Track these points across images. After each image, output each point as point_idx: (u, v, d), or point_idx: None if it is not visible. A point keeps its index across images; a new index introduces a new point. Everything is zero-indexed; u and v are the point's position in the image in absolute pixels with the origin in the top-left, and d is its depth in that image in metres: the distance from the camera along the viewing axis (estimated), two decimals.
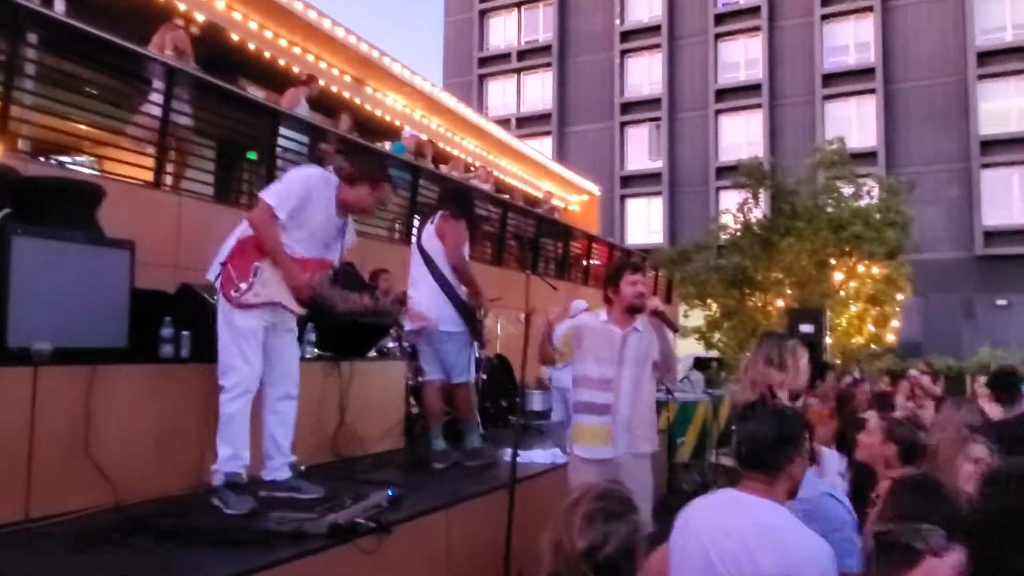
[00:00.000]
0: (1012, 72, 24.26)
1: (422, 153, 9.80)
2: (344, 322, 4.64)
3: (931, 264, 20.29)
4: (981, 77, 24.47)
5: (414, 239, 5.07)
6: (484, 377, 6.83)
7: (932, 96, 25.03)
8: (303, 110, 7.73)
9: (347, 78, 10.51)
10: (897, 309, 14.62)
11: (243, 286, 3.48)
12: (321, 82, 9.30)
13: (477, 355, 6.85)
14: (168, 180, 6.03)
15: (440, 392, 4.95)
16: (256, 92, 8.56)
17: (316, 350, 4.89)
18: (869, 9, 26.13)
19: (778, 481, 2.18)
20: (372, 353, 5.80)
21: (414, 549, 3.53)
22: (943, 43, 25.04)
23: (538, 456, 5.31)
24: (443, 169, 10.77)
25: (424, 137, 10.74)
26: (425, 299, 4.71)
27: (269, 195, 3.55)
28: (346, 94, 10.41)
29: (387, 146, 9.79)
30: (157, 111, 5.91)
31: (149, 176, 5.88)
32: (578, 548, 1.69)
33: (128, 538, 2.92)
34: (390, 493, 3.71)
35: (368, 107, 10.91)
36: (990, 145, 24.20)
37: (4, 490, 3.08)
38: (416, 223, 8.99)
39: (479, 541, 4.03)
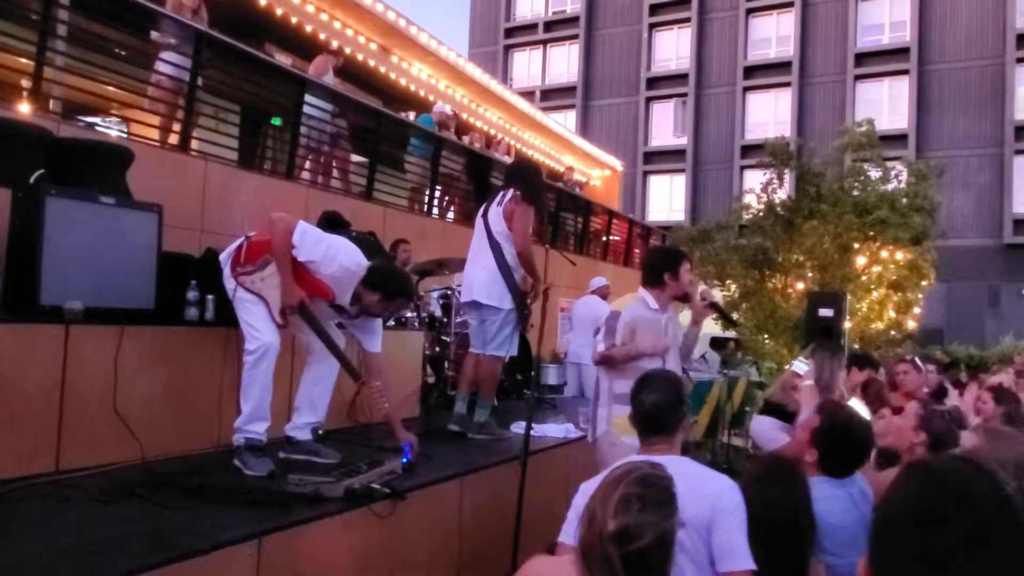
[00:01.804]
0: None
1: (445, 125, 9.80)
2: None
3: (957, 251, 20.01)
4: (1020, 60, 23.82)
5: (480, 212, 5.07)
6: (515, 354, 6.89)
7: (967, 79, 24.43)
8: (329, 79, 7.74)
9: (373, 46, 10.48)
10: (920, 296, 14.45)
11: (249, 267, 3.63)
12: (347, 50, 9.30)
13: None
14: (194, 144, 6.10)
15: (476, 363, 5.08)
16: (282, 58, 8.58)
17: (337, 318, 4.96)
18: None
19: (675, 439, 2.55)
20: (391, 323, 5.87)
21: (427, 515, 3.62)
22: (981, 24, 24.37)
23: (551, 430, 5.39)
24: (465, 140, 10.75)
25: (450, 111, 10.72)
26: (484, 273, 4.84)
27: (300, 231, 3.56)
28: (372, 63, 10.39)
29: (412, 116, 9.78)
30: (184, 75, 5.96)
31: (176, 140, 5.95)
32: (609, 530, 1.64)
33: (154, 493, 3.03)
34: (405, 460, 3.80)
35: (393, 76, 10.88)
36: None
37: (36, 442, 3.21)
38: (438, 193, 9.07)
39: (490, 510, 4.12)
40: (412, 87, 11.27)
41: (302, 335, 3.91)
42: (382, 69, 10.64)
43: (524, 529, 3.86)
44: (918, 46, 25.08)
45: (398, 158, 8.70)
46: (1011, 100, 23.79)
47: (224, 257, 3.76)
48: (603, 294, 8.26)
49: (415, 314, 6.29)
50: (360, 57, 10.10)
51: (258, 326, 3.58)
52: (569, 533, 2.48)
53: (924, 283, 14.26)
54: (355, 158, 8.28)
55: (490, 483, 4.21)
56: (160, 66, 5.98)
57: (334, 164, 7.73)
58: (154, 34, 5.97)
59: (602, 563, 1.63)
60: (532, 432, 4.21)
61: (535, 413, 4.74)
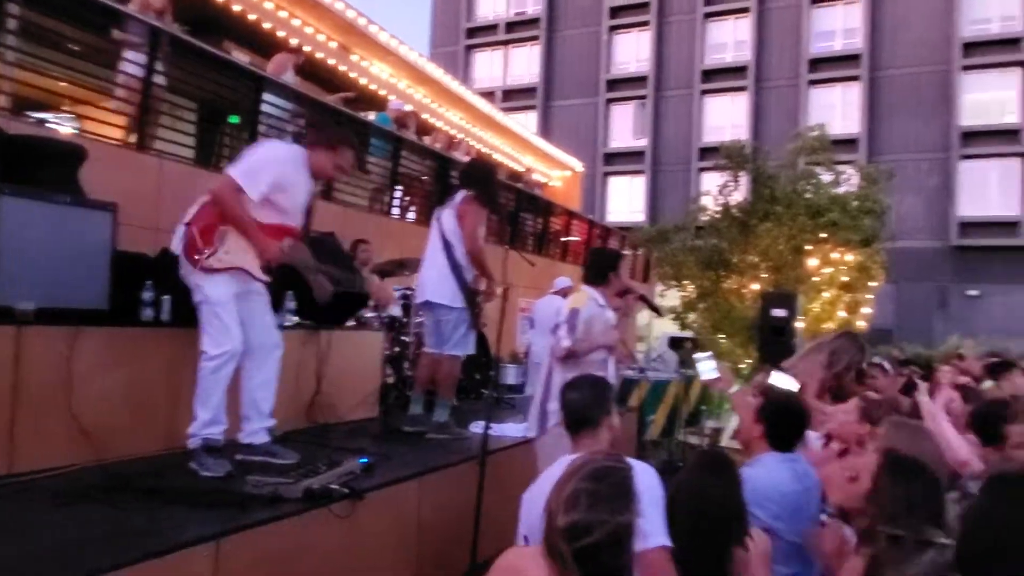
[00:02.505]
0: (996, 64, 24.50)
1: (405, 124, 9.79)
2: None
3: (906, 252, 20.64)
4: (965, 68, 24.68)
5: (435, 214, 5.19)
6: (472, 352, 6.93)
7: (917, 85, 25.22)
8: (289, 77, 7.68)
9: (333, 45, 10.42)
10: (869, 296, 14.90)
11: (207, 251, 3.49)
12: (307, 48, 9.24)
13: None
14: (149, 142, 6.01)
15: (432, 363, 5.14)
16: (241, 56, 8.48)
17: (295, 319, 4.96)
18: None
19: (600, 433, 2.70)
20: (351, 323, 5.88)
21: (386, 515, 3.65)
22: (930, 32, 25.18)
23: (510, 429, 5.44)
24: (426, 141, 10.75)
25: (409, 108, 10.70)
26: (435, 273, 4.93)
27: (237, 173, 3.50)
28: (331, 61, 10.33)
29: (371, 116, 9.75)
30: (139, 72, 5.87)
31: (130, 137, 5.86)
32: (559, 525, 1.67)
33: (109, 495, 3.01)
34: (363, 460, 3.82)
35: (353, 75, 10.83)
36: (970, 136, 24.50)
37: None
38: (398, 193, 9.06)
39: (449, 510, 4.16)
40: (373, 86, 11.24)
41: (251, 331, 3.74)
42: (342, 68, 10.58)
43: (483, 528, 3.91)
44: (869, 53, 25.81)
45: (359, 158, 8.66)
46: (957, 106, 24.63)
47: (180, 253, 3.62)
48: (565, 294, 8.35)
49: (375, 314, 6.29)
50: (320, 56, 10.03)
51: (224, 330, 3.51)
52: (520, 533, 2.56)
53: (873, 284, 14.71)
54: None
55: (449, 483, 4.25)
56: (118, 64, 5.88)
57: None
58: (114, 31, 5.87)
59: (558, 557, 1.66)
60: (491, 431, 4.28)
61: (494, 413, 4.81)
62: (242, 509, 2.97)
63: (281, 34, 9.31)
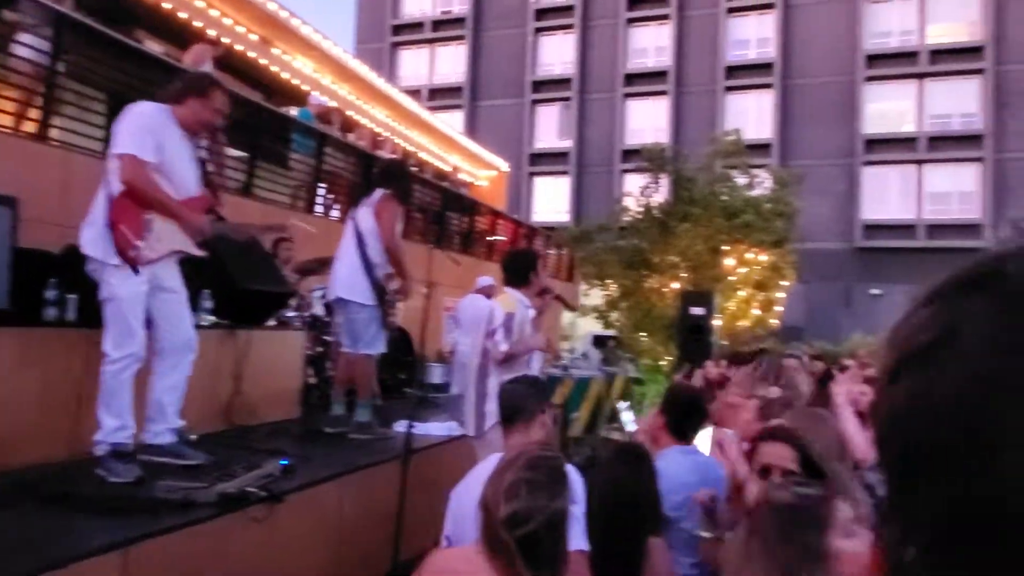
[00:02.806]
0: (895, 76, 25.98)
1: (328, 120, 9.62)
2: (243, 291, 4.61)
3: (815, 253, 21.64)
4: (868, 79, 26.07)
5: (350, 212, 5.22)
6: (385, 351, 6.89)
7: (824, 94, 26.47)
8: (208, 70, 7.43)
9: (253, 37, 10.14)
10: (781, 295, 15.58)
11: (140, 243, 3.38)
12: (225, 40, 8.97)
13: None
14: (55, 134, 5.72)
15: (348, 362, 5.14)
16: (154, 46, 8.16)
17: (212, 318, 4.82)
18: (771, 6, 27.26)
19: (533, 428, 2.69)
20: (271, 322, 5.75)
21: (305, 518, 3.61)
22: (837, 44, 26.47)
23: (434, 428, 5.45)
24: (350, 138, 10.60)
25: (333, 104, 10.52)
26: (346, 270, 4.92)
27: (125, 147, 3.38)
28: (252, 54, 10.06)
29: (294, 111, 9.55)
30: (39, 58, 5.58)
31: (33, 128, 5.56)
32: (501, 516, 1.69)
33: (11, 503, 2.86)
34: (283, 463, 3.75)
35: (275, 69, 10.57)
36: (873, 144, 25.89)
37: None
38: (321, 191, 8.91)
39: (371, 511, 4.14)
40: (295, 81, 11.00)
41: (164, 331, 3.63)
42: (263, 61, 10.32)
43: (406, 528, 3.91)
44: (781, 62, 26.93)
45: (280, 154, 8.48)
46: (861, 115, 26.00)
47: (98, 252, 3.41)
48: (488, 293, 8.39)
49: (296, 313, 6.18)
50: (239, 48, 9.75)
51: (128, 332, 3.39)
52: (445, 532, 2.57)
53: (785, 283, 15.39)
54: (234, 152, 7.99)
55: (371, 483, 4.23)
56: (15, 49, 5.56)
57: (211, 158, 7.44)
58: (8, 14, 5.55)
59: (500, 549, 1.69)
60: (415, 430, 4.28)
61: (418, 412, 4.81)
62: (153, 515, 2.88)
63: (198, 24, 8.99)
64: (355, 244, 4.94)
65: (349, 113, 11.96)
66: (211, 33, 8.84)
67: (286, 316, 6.09)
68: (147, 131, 3.42)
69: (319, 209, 8.89)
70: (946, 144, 25.30)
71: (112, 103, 7.02)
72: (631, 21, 29.05)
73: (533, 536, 1.67)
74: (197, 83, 3.75)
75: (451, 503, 2.59)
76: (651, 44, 28.97)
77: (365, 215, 4.99)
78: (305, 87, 11.04)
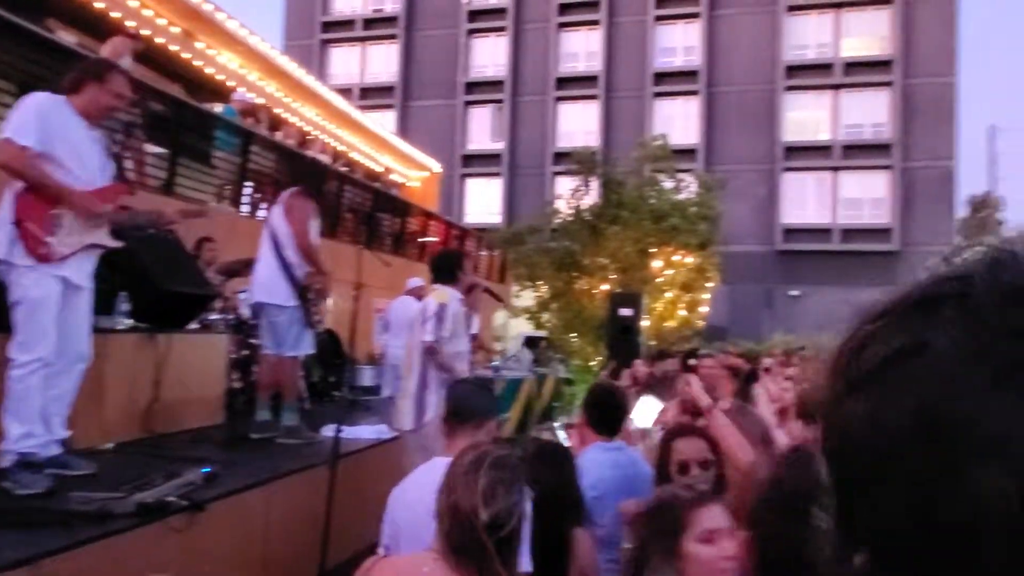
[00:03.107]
0: (812, 86, 27.13)
1: (257, 118, 9.38)
2: (165, 293, 4.46)
3: (738, 256, 22.39)
4: (787, 88, 27.15)
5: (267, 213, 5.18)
6: (312, 352, 6.77)
7: (747, 102, 27.41)
8: (127, 63, 7.14)
9: (175, 30, 9.79)
10: (706, 296, 16.06)
11: (50, 240, 3.24)
12: (146, 32, 8.64)
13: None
14: None
15: (273, 366, 5.03)
16: (68, 36, 7.79)
17: (129, 321, 4.64)
18: (696, 16, 28.06)
19: (481, 432, 2.55)
20: (193, 325, 5.58)
21: (229, 527, 3.51)
22: (758, 54, 27.46)
23: (364, 432, 5.39)
24: (277, 136, 10.37)
25: (261, 101, 10.27)
26: (263, 272, 4.86)
27: (9, 134, 3.24)
28: (174, 48, 9.71)
29: (218, 107, 9.27)
30: None
31: None
32: (483, 520, 1.65)
33: None
34: (205, 470, 3.65)
35: (198, 63, 10.24)
36: (792, 151, 26.98)
37: None
38: (248, 189, 8.69)
39: (299, 517, 4.07)
40: (220, 77, 10.67)
41: (60, 338, 3.40)
42: (185, 55, 9.98)
43: (336, 534, 3.86)
44: (706, 70, 27.76)
45: (203, 151, 8.22)
46: (781, 123, 27.05)
47: (4, 252, 3.24)
48: (419, 295, 8.35)
49: (220, 316, 6.01)
50: (160, 41, 9.40)
51: (39, 334, 3.24)
52: (384, 537, 2.53)
53: (710, 285, 15.88)
54: (155, 149, 7.71)
55: (298, 489, 4.16)
56: None
57: (128, 155, 7.15)
58: None
59: (475, 551, 1.65)
60: (344, 434, 4.24)
61: (348, 415, 4.77)
62: (65, 527, 2.76)
63: (116, 15, 8.62)
64: (271, 245, 4.88)
65: (277, 111, 11.69)
66: (130, 25, 8.49)
67: (209, 319, 5.92)
68: (34, 118, 3.27)
69: (245, 208, 8.68)
70: (858, 152, 26.59)
71: (22, 96, 6.68)
72: (562, 26, 29.39)
73: (511, 534, 1.68)
74: (93, 68, 3.62)
75: (389, 509, 2.50)
76: (582, 49, 29.39)
77: (277, 214, 4.95)
78: (230, 83, 10.74)
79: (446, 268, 4.69)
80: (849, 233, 26.29)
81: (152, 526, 3.00)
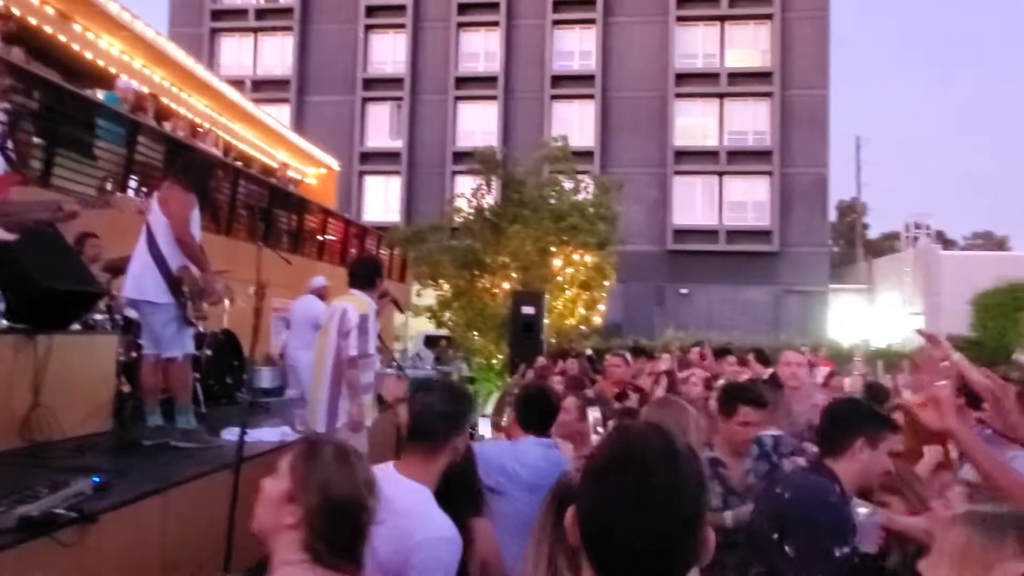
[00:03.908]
0: (700, 94, 28.39)
1: (143, 108, 8.88)
2: (47, 292, 4.15)
3: (632, 255, 23.08)
4: (678, 95, 28.28)
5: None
6: (209, 353, 6.49)
7: (640, 107, 28.34)
8: None
9: (50, 11, 9.11)
10: (604, 295, 16.49)
11: None
12: (16, 11, 8.00)
13: (201, 330, 6.50)
14: None
15: (155, 367, 4.77)
16: None
17: (5, 322, 4.29)
18: (592, 22, 28.74)
19: (441, 453, 2.20)
20: (77, 326, 5.21)
21: (123, 538, 3.33)
22: (650, 61, 28.44)
23: (266, 434, 5.23)
24: (166, 127, 9.85)
25: (145, 90, 9.72)
26: (137, 267, 4.60)
27: None
28: (49, 30, 9.03)
29: (100, 95, 8.70)
30: None
31: None
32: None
33: None
34: (95, 479, 3.44)
35: (76, 47, 9.57)
36: (681, 155, 28.11)
37: None
38: (133, 183, 8.20)
39: (200, 525, 3.90)
40: (101, 62, 10.02)
41: None
42: (62, 38, 9.30)
43: (237, 542, 3.71)
44: (601, 75, 28.49)
45: (85, 141, 7.69)
46: (671, 129, 28.14)
47: None
48: (321, 294, 8.16)
49: (106, 316, 5.65)
50: (34, 22, 8.72)
51: None
52: None
53: (607, 283, 16.31)
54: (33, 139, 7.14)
55: (199, 496, 3.98)
56: None
57: (11, 145, 6.60)
58: None
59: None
60: (246, 438, 4.09)
61: (249, 417, 4.60)
62: None
63: None
64: (146, 239, 4.62)
65: (164, 100, 11.11)
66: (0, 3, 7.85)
67: (94, 319, 5.55)
68: None
69: None
70: (742, 158, 28.04)
71: None
72: (462, 25, 29.38)
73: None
74: None
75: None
76: (481, 49, 29.48)
77: (153, 207, 4.69)
78: (112, 69, 10.11)
79: (366, 275, 4.71)
80: (733, 234, 27.68)
81: (38, 541, 2.80)
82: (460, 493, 2.29)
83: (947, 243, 41.78)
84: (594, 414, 4.24)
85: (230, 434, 5.13)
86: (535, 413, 3.26)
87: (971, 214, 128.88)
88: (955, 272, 24.89)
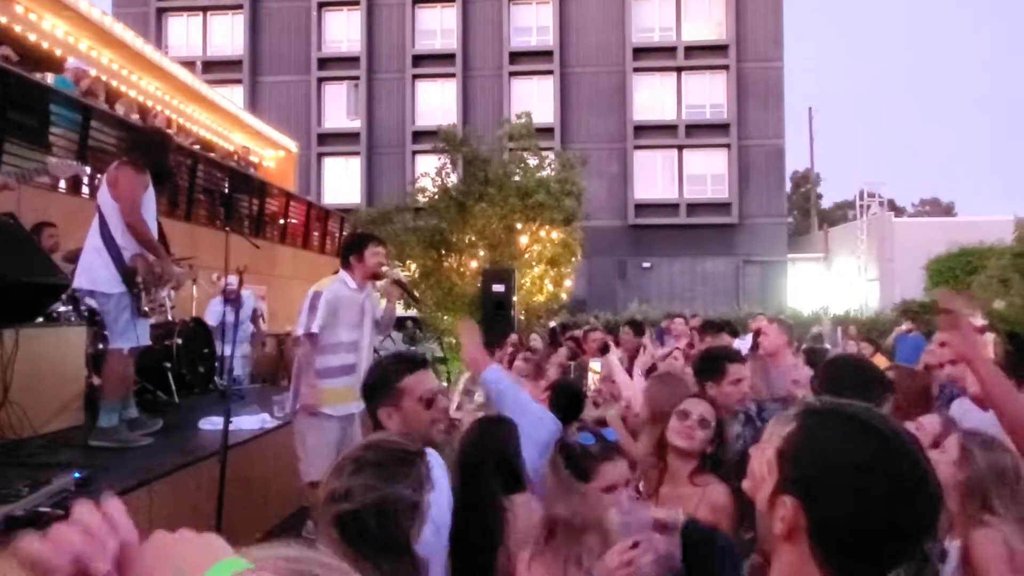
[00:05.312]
0: (658, 68, 28.45)
1: (94, 92, 8.56)
2: (10, 283, 4.00)
3: (594, 231, 23.17)
4: (636, 70, 28.30)
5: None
6: (180, 342, 6.36)
7: (598, 82, 28.30)
8: None
9: None
10: (570, 270, 16.54)
11: None
12: None
13: (170, 318, 6.37)
14: None
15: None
16: None
17: None
18: None
19: (387, 418, 2.36)
20: (41, 319, 5.05)
21: None
22: (607, 36, 28.37)
23: (246, 422, 5.16)
24: (118, 110, 9.52)
25: (94, 72, 9.37)
26: (89, 257, 4.37)
27: None
28: None
29: (49, 79, 8.36)
30: None
31: None
32: (321, 494, 1.61)
33: None
34: (77, 475, 3.35)
35: (19, 29, 9.16)
36: (641, 130, 28.20)
37: None
38: (88, 170, 7.91)
39: (186, 514, 3.84)
40: (45, 44, 9.61)
41: None
42: (3, 20, 8.89)
43: (229, 526, 3.68)
44: (559, 50, 28.34)
45: (36, 128, 7.39)
46: (630, 103, 28.19)
47: None
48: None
49: (71, 307, 5.48)
50: None
51: None
52: None
53: (574, 259, 16.36)
54: None
55: (184, 485, 3.92)
56: None
57: None
58: None
59: (324, 527, 1.59)
60: (221, 427, 4.05)
61: (221, 405, 4.52)
62: None
63: None
64: (97, 224, 4.39)
65: (114, 84, 10.74)
66: None
67: (57, 311, 5.38)
68: None
69: (86, 190, 7.92)
70: (700, 131, 28.25)
71: None
72: (417, 2, 28.89)
73: (354, 515, 1.55)
74: None
75: None
76: (438, 26, 29.05)
77: (102, 189, 4.44)
78: (58, 51, 9.71)
79: (342, 253, 4.59)
80: (694, 207, 27.96)
81: None
82: (501, 468, 2.29)
83: (898, 211, 42.87)
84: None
85: (208, 424, 5.05)
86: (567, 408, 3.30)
87: (918, 182, 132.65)
88: (908, 238, 25.56)
